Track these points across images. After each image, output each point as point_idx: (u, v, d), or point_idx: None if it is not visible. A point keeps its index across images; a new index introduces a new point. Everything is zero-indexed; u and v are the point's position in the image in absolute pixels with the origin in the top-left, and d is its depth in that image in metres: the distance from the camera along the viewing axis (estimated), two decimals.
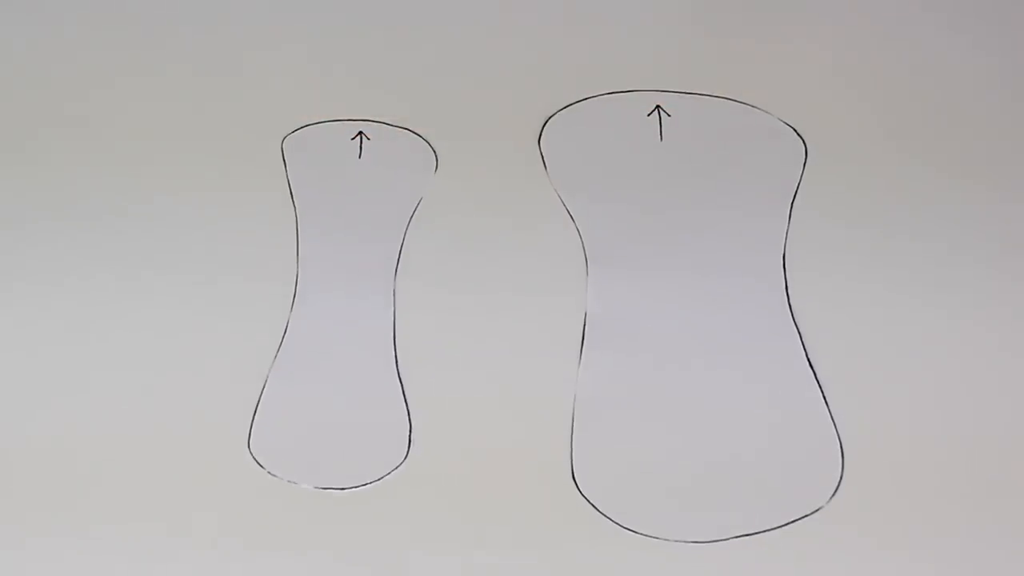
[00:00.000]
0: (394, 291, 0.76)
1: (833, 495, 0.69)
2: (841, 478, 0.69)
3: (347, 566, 0.66)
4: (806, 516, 0.68)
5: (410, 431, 0.71)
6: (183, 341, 0.74)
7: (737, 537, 0.67)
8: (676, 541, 0.67)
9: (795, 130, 0.83)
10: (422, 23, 0.88)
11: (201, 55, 0.88)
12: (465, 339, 0.74)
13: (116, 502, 0.68)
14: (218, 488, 0.69)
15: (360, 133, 0.83)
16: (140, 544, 0.67)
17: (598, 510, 0.68)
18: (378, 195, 0.80)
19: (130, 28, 0.90)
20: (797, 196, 0.80)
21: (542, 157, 0.82)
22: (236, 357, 0.73)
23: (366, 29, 0.88)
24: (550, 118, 0.84)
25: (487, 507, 0.68)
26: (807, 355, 0.73)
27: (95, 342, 0.74)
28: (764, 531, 0.68)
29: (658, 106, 0.84)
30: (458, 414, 0.71)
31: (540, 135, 0.83)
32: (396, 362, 0.73)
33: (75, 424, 0.71)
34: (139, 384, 0.72)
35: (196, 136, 0.84)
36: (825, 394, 0.72)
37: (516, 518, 0.68)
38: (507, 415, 0.71)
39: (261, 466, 0.70)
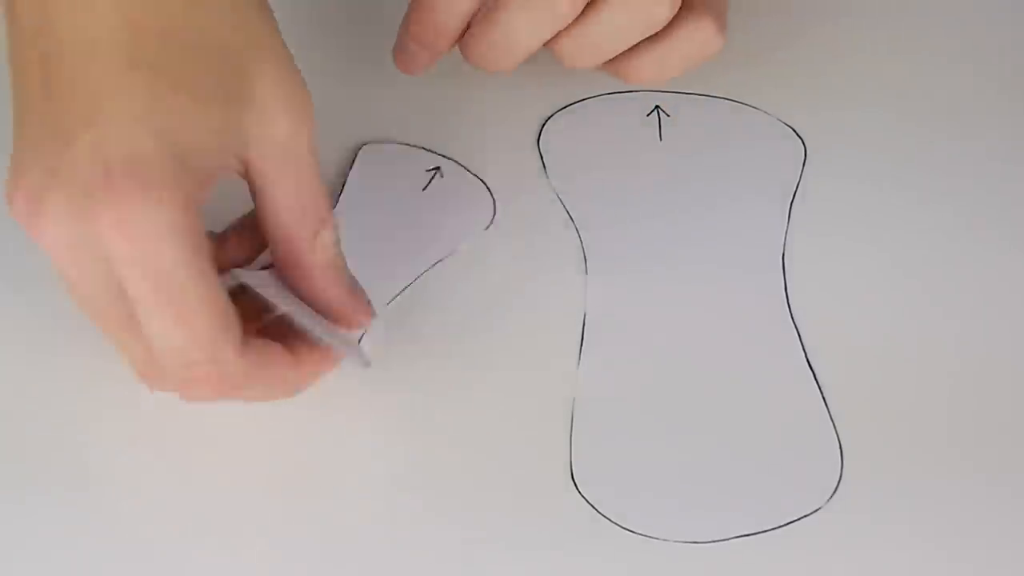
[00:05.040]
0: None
1: (832, 495, 0.68)
2: (840, 478, 0.69)
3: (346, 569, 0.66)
4: (805, 516, 0.68)
5: None
6: None
7: (737, 537, 0.67)
8: (676, 541, 0.67)
9: (795, 130, 0.83)
10: None
11: None
12: (463, 338, 0.74)
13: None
14: None
15: None
16: None
17: (597, 511, 0.68)
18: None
19: None
20: (797, 196, 0.80)
21: (541, 157, 0.82)
22: None
23: (366, 28, 0.88)
24: (549, 118, 0.84)
25: (485, 507, 0.68)
26: (806, 355, 0.73)
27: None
28: (764, 531, 0.68)
29: (658, 106, 0.84)
30: (456, 413, 0.71)
31: (539, 135, 0.83)
32: None
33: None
34: None
35: None
36: (825, 394, 0.72)
37: (515, 518, 0.68)
38: (505, 415, 0.71)
39: None
